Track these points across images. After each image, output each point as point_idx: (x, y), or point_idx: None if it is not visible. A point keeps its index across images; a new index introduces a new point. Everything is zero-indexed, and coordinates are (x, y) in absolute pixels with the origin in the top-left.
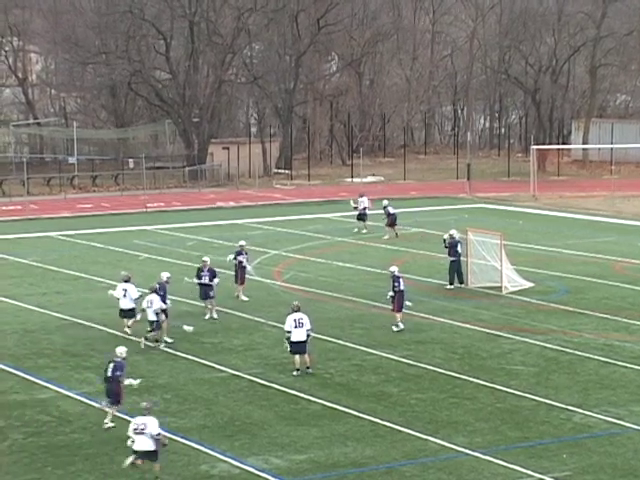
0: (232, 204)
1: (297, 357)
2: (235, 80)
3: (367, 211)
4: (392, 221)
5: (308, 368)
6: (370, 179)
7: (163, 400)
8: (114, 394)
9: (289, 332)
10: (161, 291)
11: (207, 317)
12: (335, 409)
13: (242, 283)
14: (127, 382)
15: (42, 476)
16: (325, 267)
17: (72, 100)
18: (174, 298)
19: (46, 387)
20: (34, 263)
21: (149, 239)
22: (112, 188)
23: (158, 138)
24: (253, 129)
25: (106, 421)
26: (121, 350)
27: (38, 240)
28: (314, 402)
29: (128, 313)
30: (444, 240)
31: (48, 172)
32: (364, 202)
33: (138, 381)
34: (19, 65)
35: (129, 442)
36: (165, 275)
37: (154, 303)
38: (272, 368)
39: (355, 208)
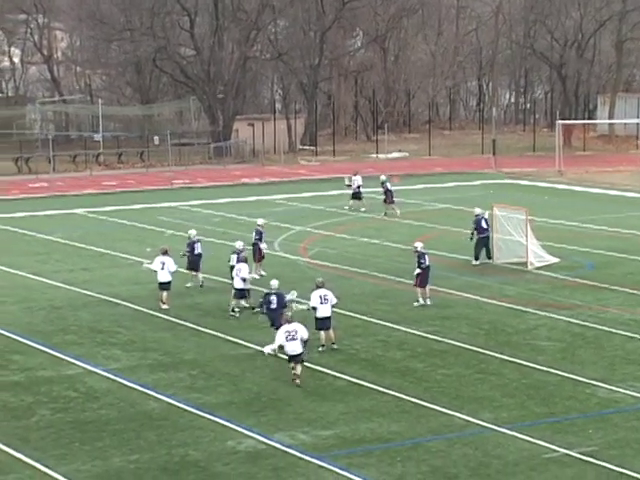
0: (257, 180)
1: (322, 333)
2: (260, 56)
3: (362, 189)
4: (390, 198)
5: (333, 344)
6: (395, 155)
7: (190, 376)
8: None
9: (314, 308)
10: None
11: (188, 285)
12: (361, 385)
13: (260, 260)
14: (289, 296)
15: (70, 452)
16: (350, 243)
17: (97, 77)
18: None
19: (73, 363)
20: (60, 240)
21: (174, 215)
22: (137, 165)
23: (183, 115)
24: (278, 105)
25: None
26: (274, 282)
27: (64, 217)
28: (340, 378)
29: (166, 285)
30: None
31: (74, 149)
32: (358, 180)
33: (294, 294)
34: (44, 42)
35: (268, 351)
36: (239, 244)
37: (242, 271)
38: None
39: (348, 186)
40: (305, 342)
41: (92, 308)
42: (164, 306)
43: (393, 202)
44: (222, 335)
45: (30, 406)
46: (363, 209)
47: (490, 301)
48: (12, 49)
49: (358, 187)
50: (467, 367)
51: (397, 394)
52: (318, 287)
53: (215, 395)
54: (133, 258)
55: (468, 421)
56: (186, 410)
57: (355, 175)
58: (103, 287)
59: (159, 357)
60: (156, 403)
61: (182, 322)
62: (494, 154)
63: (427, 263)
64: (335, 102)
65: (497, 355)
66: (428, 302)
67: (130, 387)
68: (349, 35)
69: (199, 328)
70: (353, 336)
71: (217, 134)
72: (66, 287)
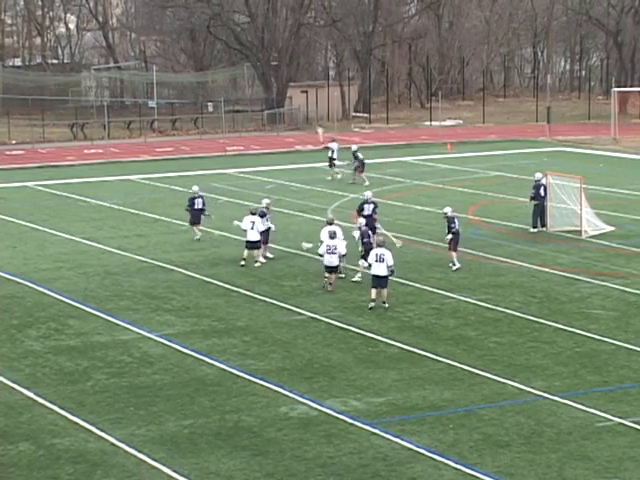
0: (310, 147)
1: (374, 290)
2: (314, 23)
3: (335, 155)
4: (362, 167)
5: (384, 302)
6: (449, 122)
7: (243, 342)
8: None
9: (370, 265)
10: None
11: (196, 238)
12: (413, 352)
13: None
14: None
15: (124, 416)
16: (403, 210)
17: (152, 44)
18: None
19: (127, 329)
20: (115, 206)
21: (228, 182)
22: (191, 132)
23: (237, 82)
24: (331, 72)
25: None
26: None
27: (119, 183)
28: (392, 345)
29: (255, 244)
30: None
31: (128, 116)
32: (333, 147)
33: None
34: (99, 9)
35: (356, 278)
36: (335, 231)
37: (338, 248)
38: (350, 311)
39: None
40: (392, 271)
41: (146, 274)
42: (257, 263)
43: (363, 171)
44: (275, 302)
45: (85, 370)
46: (339, 176)
47: (543, 269)
48: (68, 16)
49: (332, 152)
50: (520, 335)
51: (450, 362)
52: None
53: (268, 361)
54: (187, 225)
55: (521, 389)
56: (239, 376)
57: (332, 142)
58: (157, 253)
59: (213, 323)
60: (210, 369)
61: (235, 288)
62: (548, 122)
63: (457, 227)
64: (389, 69)
65: (550, 323)
66: (457, 264)
67: (184, 353)
68: (403, 2)
69: (252, 295)
70: (406, 303)
71: (270, 101)
72: (121, 253)
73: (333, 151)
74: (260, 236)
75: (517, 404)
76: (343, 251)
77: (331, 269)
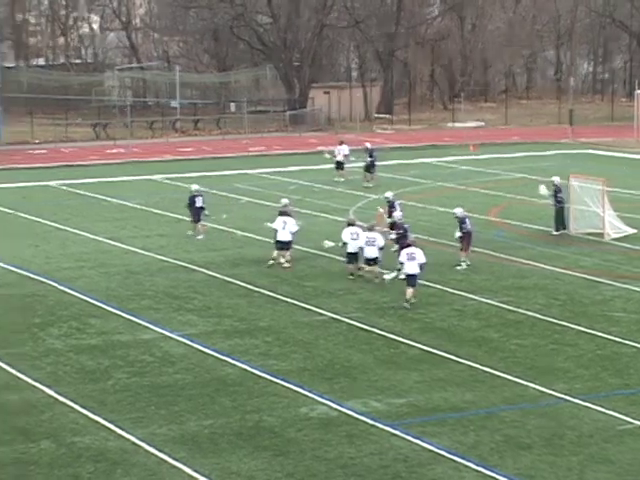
0: (332, 149)
1: (409, 289)
2: (336, 24)
3: (347, 159)
4: (372, 166)
5: (407, 301)
6: (471, 124)
7: (264, 343)
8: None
9: (402, 264)
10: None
11: (200, 237)
12: (435, 354)
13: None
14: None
15: (146, 415)
16: (425, 212)
17: (175, 44)
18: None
19: (149, 328)
20: (137, 206)
21: (250, 183)
22: (214, 132)
23: (259, 82)
24: (354, 73)
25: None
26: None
27: (141, 183)
28: (414, 346)
29: (285, 245)
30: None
31: (151, 116)
32: (344, 150)
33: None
34: (123, 9)
35: (387, 279)
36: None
37: (377, 240)
38: (372, 312)
39: (331, 158)
40: (421, 268)
41: (168, 274)
42: (286, 264)
43: (372, 171)
44: (297, 302)
45: (107, 369)
46: (342, 179)
47: (566, 272)
48: (91, 16)
49: (345, 157)
50: (542, 338)
51: (471, 363)
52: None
53: (289, 362)
54: (209, 225)
55: (542, 392)
56: (260, 376)
57: (341, 145)
58: (179, 253)
59: (234, 323)
60: (231, 369)
61: (257, 289)
62: (571, 124)
63: (469, 227)
64: (411, 71)
65: (572, 326)
66: (466, 264)
67: (205, 352)
68: (426, 3)
69: (274, 295)
70: (428, 305)
71: (293, 102)
72: (143, 252)
73: (345, 155)
74: (291, 237)
75: (538, 406)
76: (381, 243)
77: (370, 261)
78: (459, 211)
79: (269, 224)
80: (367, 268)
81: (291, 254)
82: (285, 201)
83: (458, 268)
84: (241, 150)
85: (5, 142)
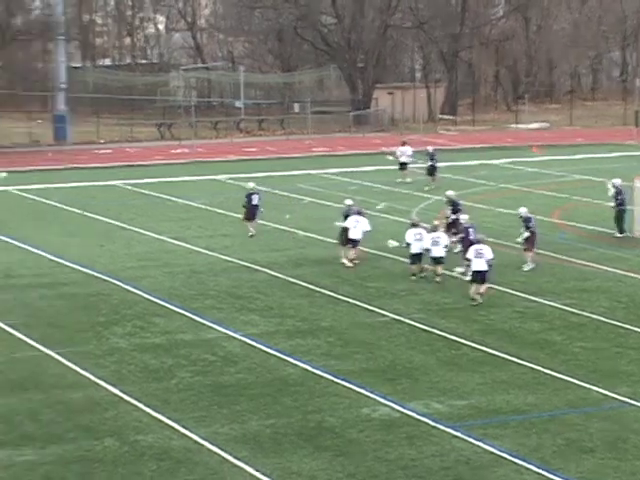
0: (394, 149)
1: (474, 286)
2: (401, 25)
3: (408, 160)
4: (432, 169)
5: (473, 299)
6: (535, 125)
7: (326, 343)
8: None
9: (469, 260)
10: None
11: (250, 234)
12: (497, 356)
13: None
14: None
15: (208, 414)
16: (488, 213)
17: (239, 44)
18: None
19: (212, 328)
20: (202, 206)
21: (313, 183)
22: (277, 132)
23: (323, 83)
24: (418, 74)
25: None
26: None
27: (205, 183)
28: (476, 348)
29: (355, 243)
30: (609, 189)
31: (215, 116)
32: (407, 151)
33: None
34: (188, 9)
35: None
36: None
37: (442, 239)
38: (434, 313)
39: (394, 157)
40: (490, 265)
41: (231, 274)
42: (348, 263)
43: (434, 175)
44: (359, 303)
45: (170, 368)
46: (408, 180)
47: (629, 274)
48: (157, 16)
49: (408, 157)
50: (605, 341)
51: (534, 366)
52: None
53: (351, 362)
54: (272, 225)
55: (605, 395)
56: (322, 376)
57: (404, 145)
58: (242, 253)
59: (296, 323)
60: (293, 369)
61: (319, 289)
62: (637, 125)
63: (534, 227)
64: (475, 71)
65: (636, 329)
66: (531, 264)
67: (267, 352)
68: (491, 3)
69: (336, 295)
70: (490, 307)
71: (357, 102)
72: (206, 252)
73: (409, 156)
74: (362, 236)
75: (601, 410)
76: (446, 242)
77: (436, 260)
78: (524, 211)
79: (339, 223)
80: (430, 268)
81: (357, 253)
82: (349, 202)
83: (525, 268)
84: (304, 150)
85: (72, 142)
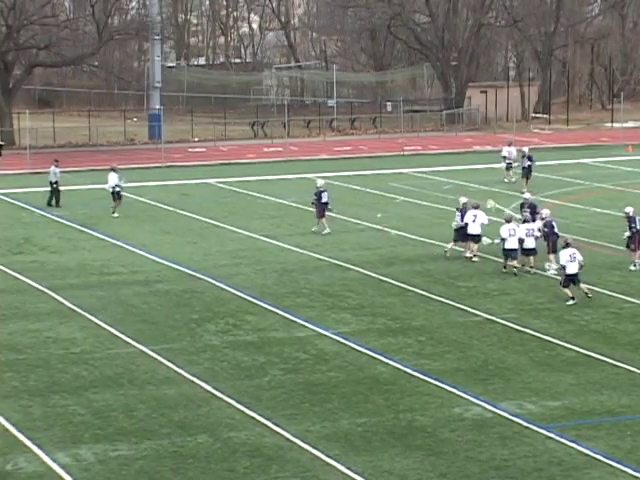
0: (489, 148)
1: (568, 289)
2: (494, 23)
3: (512, 159)
4: (528, 171)
5: (587, 294)
6: (631, 124)
7: (418, 342)
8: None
9: (564, 266)
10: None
11: (314, 229)
12: (591, 357)
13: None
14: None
15: (299, 412)
16: (582, 213)
17: (332, 43)
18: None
19: (304, 326)
20: (293, 204)
21: (405, 182)
22: (370, 131)
23: (416, 81)
24: (511, 73)
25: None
26: (546, 212)
27: (297, 181)
28: (569, 349)
29: (475, 238)
30: None
31: (308, 115)
32: (512, 152)
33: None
34: (282, 9)
35: (550, 270)
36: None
37: (535, 232)
38: (527, 313)
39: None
40: (581, 266)
41: (323, 272)
42: (471, 255)
43: (528, 177)
44: (451, 302)
45: (262, 366)
46: (514, 179)
47: None
48: (251, 15)
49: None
50: None
51: (629, 367)
52: (566, 246)
53: (442, 362)
54: (364, 224)
55: None
56: (413, 375)
57: (509, 146)
58: (334, 251)
59: (388, 322)
60: (384, 367)
61: (411, 288)
62: None
63: (638, 227)
64: (570, 70)
65: None
66: (639, 264)
67: (359, 351)
68: (586, 1)
69: (428, 294)
70: (583, 307)
71: (449, 101)
72: (298, 250)
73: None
74: (481, 230)
75: None
76: (538, 234)
77: (528, 251)
78: (631, 210)
79: (455, 224)
80: (516, 265)
81: (479, 248)
82: (464, 200)
83: (632, 269)
84: (397, 149)
85: (165, 141)
